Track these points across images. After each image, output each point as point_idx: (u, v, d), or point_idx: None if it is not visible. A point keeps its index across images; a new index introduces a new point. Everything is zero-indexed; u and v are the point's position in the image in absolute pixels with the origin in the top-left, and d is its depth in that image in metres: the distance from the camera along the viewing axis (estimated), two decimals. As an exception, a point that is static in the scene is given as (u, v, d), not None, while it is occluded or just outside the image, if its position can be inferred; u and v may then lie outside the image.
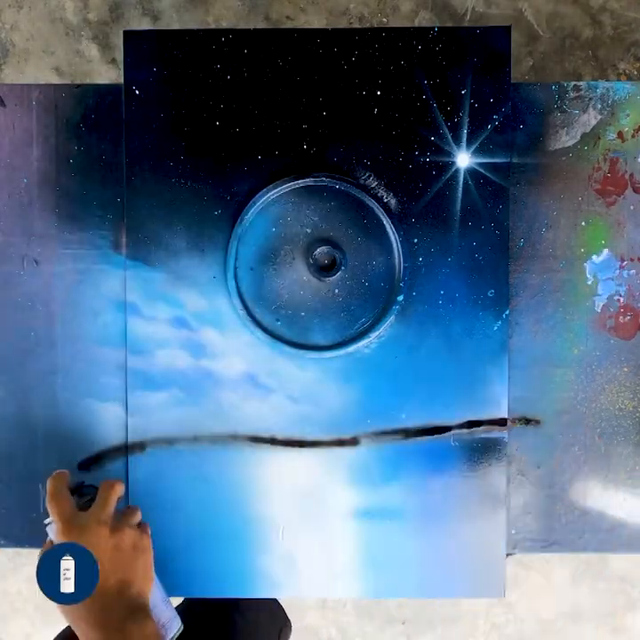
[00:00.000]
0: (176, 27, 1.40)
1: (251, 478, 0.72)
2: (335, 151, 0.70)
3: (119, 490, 0.62)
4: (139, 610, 0.58)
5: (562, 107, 0.71)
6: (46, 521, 0.61)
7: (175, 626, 0.63)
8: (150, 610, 0.60)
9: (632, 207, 0.72)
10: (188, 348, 0.71)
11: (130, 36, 0.70)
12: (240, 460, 0.72)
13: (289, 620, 0.97)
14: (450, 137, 0.69)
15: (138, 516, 0.64)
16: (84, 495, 0.64)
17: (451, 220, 0.70)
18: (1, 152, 0.73)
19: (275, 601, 0.96)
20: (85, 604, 0.57)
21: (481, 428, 0.71)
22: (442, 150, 0.69)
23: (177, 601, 1.01)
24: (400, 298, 0.70)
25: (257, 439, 0.72)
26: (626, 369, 0.73)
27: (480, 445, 0.71)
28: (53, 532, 0.60)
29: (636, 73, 1.37)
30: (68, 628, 0.90)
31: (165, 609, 0.63)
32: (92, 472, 0.73)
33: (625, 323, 0.73)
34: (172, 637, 0.62)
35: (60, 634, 0.85)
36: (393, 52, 0.69)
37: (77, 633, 0.57)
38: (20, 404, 0.74)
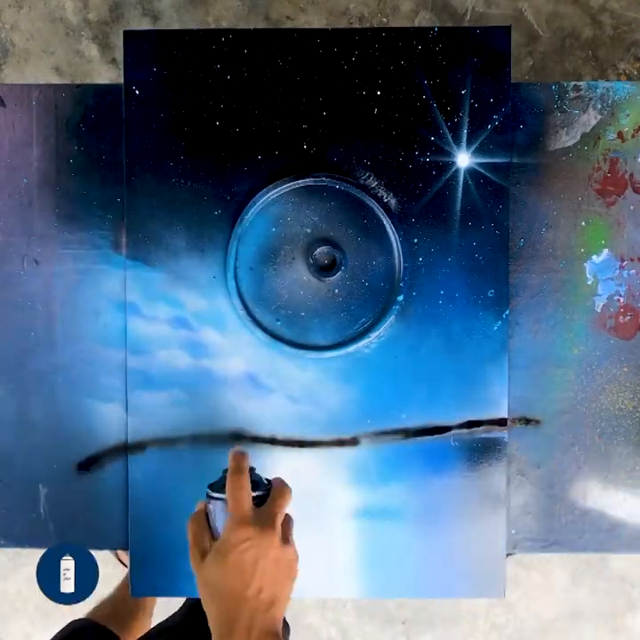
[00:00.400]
0: (176, 27, 1.40)
1: (251, 478, 0.72)
2: (335, 151, 0.70)
3: (291, 500, 0.57)
4: (276, 636, 0.53)
5: (562, 107, 0.71)
6: (216, 494, 0.56)
7: None
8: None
9: (632, 207, 0.72)
10: (188, 348, 0.71)
11: (130, 36, 0.70)
12: (240, 460, 0.71)
13: (286, 621, 0.97)
14: (450, 137, 0.69)
15: (293, 532, 0.58)
16: (255, 486, 0.57)
17: (451, 220, 0.70)
18: (1, 152, 0.73)
19: None
20: (235, 605, 0.52)
21: (481, 427, 0.71)
22: (442, 150, 0.69)
23: (178, 601, 1.01)
24: (400, 298, 0.70)
25: (257, 439, 0.72)
26: (626, 369, 0.73)
27: (480, 445, 0.71)
28: (219, 511, 0.55)
29: (636, 73, 1.37)
30: (74, 622, 0.90)
31: None
32: (91, 472, 0.73)
33: (625, 323, 0.73)
34: None
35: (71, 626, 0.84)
36: (393, 52, 0.69)
37: (213, 629, 0.53)
38: (20, 404, 0.74)
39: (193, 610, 0.91)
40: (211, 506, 0.56)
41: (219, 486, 0.57)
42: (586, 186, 0.72)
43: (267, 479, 0.58)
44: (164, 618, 0.94)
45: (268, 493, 0.56)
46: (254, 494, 0.56)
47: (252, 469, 0.57)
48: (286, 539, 0.55)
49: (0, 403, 0.74)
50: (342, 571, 0.72)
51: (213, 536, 0.55)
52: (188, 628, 0.87)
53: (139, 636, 1.00)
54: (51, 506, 0.74)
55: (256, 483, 0.57)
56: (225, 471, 0.57)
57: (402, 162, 0.70)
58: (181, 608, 0.95)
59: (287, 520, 0.57)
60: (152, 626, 0.91)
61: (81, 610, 0.91)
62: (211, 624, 0.53)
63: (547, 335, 0.73)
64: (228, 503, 0.54)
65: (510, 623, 1.46)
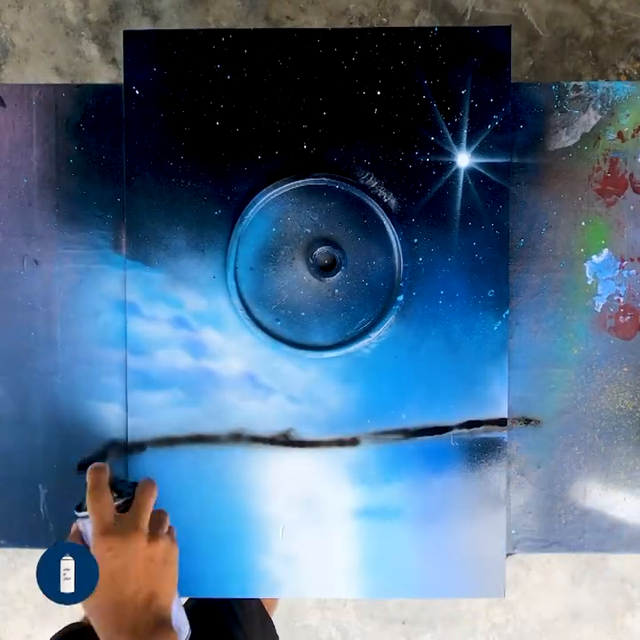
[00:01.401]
0: (176, 27, 1.40)
1: (251, 478, 0.72)
2: (335, 151, 0.70)
3: (156, 494, 0.60)
4: (164, 623, 0.56)
5: (562, 107, 0.71)
6: (80, 514, 0.59)
7: (185, 631, 0.62)
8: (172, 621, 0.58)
9: (632, 207, 0.72)
10: (188, 348, 0.71)
11: (130, 36, 0.70)
12: (240, 460, 0.72)
13: (269, 616, 0.97)
14: (450, 137, 0.69)
15: (167, 523, 0.61)
16: (119, 493, 0.61)
17: (451, 219, 0.70)
18: (1, 152, 0.73)
19: (263, 612, 0.96)
20: (115, 610, 0.55)
21: (481, 427, 0.71)
22: (442, 150, 0.69)
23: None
24: (400, 298, 0.70)
25: (257, 439, 0.72)
26: (626, 369, 0.73)
27: (480, 445, 0.71)
28: (88, 529, 0.58)
29: (636, 73, 1.37)
30: (72, 625, 0.90)
31: (180, 614, 0.62)
32: (92, 472, 0.73)
33: (625, 323, 0.73)
34: None
35: (63, 630, 0.85)
36: (393, 52, 0.69)
37: (101, 635, 0.56)
38: (19, 404, 0.74)
39: (194, 612, 0.90)
40: (80, 526, 0.59)
41: (84, 505, 0.59)
42: (586, 186, 0.72)
43: (133, 482, 0.61)
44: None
45: (131, 497, 0.59)
46: (119, 502, 0.59)
47: (116, 479, 0.60)
48: (155, 534, 0.57)
49: (0, 403, 0.74)
50: (342, 571, 0.72)
51: None
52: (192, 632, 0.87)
53: None
54: (51, 506, 0.74)
55: (120, 491, 0.60)
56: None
57: (402, 162, 0.70)
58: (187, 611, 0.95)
59: (158, 514, 0.60)
60: None
61: (81, 610, 0.91)
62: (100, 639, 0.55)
63: (547, 335, 0.73)
64: (91, 520, 0.57)
65: (510, 623, 1.46)
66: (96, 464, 0.60)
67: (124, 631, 0.54)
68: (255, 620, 0.91)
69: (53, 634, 0.85)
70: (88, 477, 0.58)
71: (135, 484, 0.61)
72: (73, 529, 0.60)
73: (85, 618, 0.97)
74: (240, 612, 0.88)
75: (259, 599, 0.94)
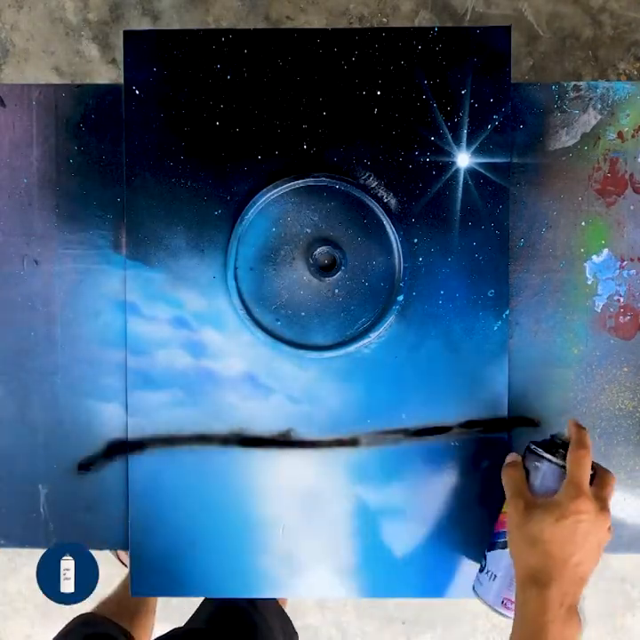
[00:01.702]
0: (176, 27, 1.40)
1: (251, 478, 0.72)
2: (335, 151, 0.70)
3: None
4: (576, 612, 0.56)
5: (562, 107, 0.71)
6: (553, 459, 0.60)
7: None
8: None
9: (632, 207, 0.72)
10: (188, 348, 0.71)
11: (130, 36, 0.70)
12: (240, 460, 0.72)
13: (295, 629, 0.97)
14: (450, 137, 0.69)
15: None
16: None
17: (451, 219, 0.70)
18: (1, 152, 0.73)
19: (283, 611, 0.96)
20: (551, 563, 0.55)
21: (481, 427, 0.71)
22: (442, 150, 0.69)
23: (190, 602, 1.01)
24: (400, 298, 0.70)
25: (257, 439, 0.72)
26: (626, 369, 0.73)
27: (480, 445, 0.71)
28: (552, 475, 0.60)
29: (636, 73, 1.37)
30: (79, 617, 0.90)
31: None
32: (91, 472, 0.74)
33: (625, 323, 0.73)
34: None
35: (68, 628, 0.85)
36: (393, 52, 0.69)
37: (528, 561, 0.57)
38: (19, 403, 0.74)
39: (217, 615, 0.90)
40: (539, 464, 0.61)
41: (548, 447, 0.61)
42: (586, 186, 0.72)
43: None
44: (163, 616, 0.94)
45: (594, 474, 0.60)
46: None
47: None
48: (611, 525, 0.58)
49: (0, 403, 0.74)
50: (342, 571, 0.72)
51: (531, 491, 0.60)
52: (214, 634, 0.87)
53: (144, 631, 1.00)
54: (51, 506, 0.74)
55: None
56: (553, 436, 0.62)
57: (402, 162, 0.70)
58: (202, 611, 0.94)
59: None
60: (177, 627, 0.90)
61: (81, 610, 0.91)
62: (521, 566, 0.57)
63: (547, 335, 0.73)
64: (567, 472, 0.58)
65: (510, 623, 1.46)
66: (576, 420, 0.61)
67: (556, 587, 0.54)
68: (274, 615, 0.92)
69: (61, 628, 0.85)
70: (573, 432, 0.60)
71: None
72: (514, 458, 0.64)
73: (96, 609, 0.97)
74: (262, 607, 0.89)
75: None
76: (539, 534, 0.56)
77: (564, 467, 0.60)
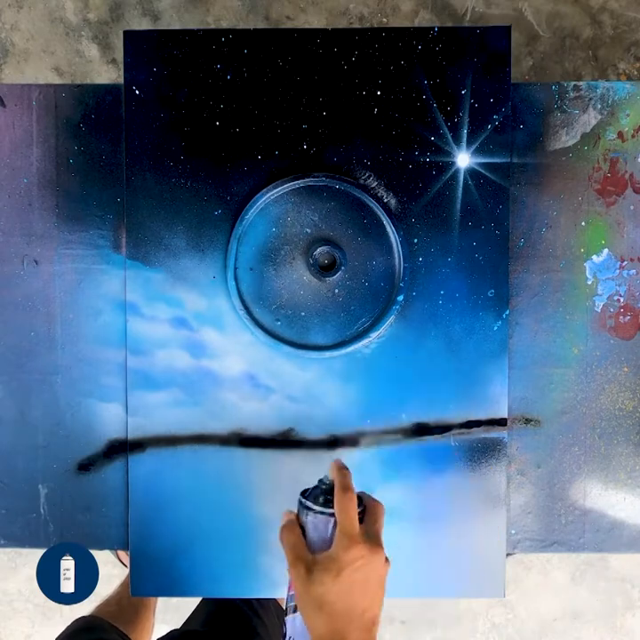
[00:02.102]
0: (176, 27, 1.40)
1: (251, 478, 0.72)
2: (335, 151, 0.70)
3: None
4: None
5: (562, 107, 0.71)
6: (320, 509, 0.57)
7: None
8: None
9: (632, 207, 0.72)
10: (188, 348, 0.71)
11: (130, 36, 0.70)
12: (240, 460, 0.72)
13: None
14: (450, 137, 0.69)
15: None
16: (359, 501, 0.58)
17: (451, 219, 0.70)
18: (1, 152, 0.73)
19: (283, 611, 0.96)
20: (340, 619, 0.54)
21: (481, 427, 0.71)
22: (442, 150, 0.69)
23: (188, 602, 1.01)
24: (400, 298, 0.70)
25: (257, 439, 0.72)
26: (626, 369, 0.73)
27: (480, 445, 0.71)
28: (325, 526, 0.56)
29: (636, 73, 1.37)
30: (80, 620, 0.90)
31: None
32: (92, 472, 0.74)
33: (625, 323, 0.73)
34: None
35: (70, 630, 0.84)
36: (393, 52, 0.69)
37: (313, 633, 0.55)
38: (19, 403, 0.74)
39: (214, 616, 0.90)
40: (310, 518, 0.57)
41: (316, 498, 0.57)
42: (586, 186, 0.72)
43: (359, 493, 0.58)
44: (164, 616, 0.94)
45: (363, 509, 0.57)
46: (359, 510, 0.56)
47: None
48: (387, 557, 0.56)
49: (0, 403, 0.74)
50: (342, 571, 0.72)
51: (309, 548, 0.56)
52: (210, 635, 0.87)
53: (144, 632, 1.00)
54: (51, 506, 0.74)
55: (359, 497, 0.58)
56: (320, 482, 0.58)
57: (402, 162, 0.70)
58: (198, 612, 0.94)
59: (380, 523, 0.58)
60: (174, 629, 0.90)
61: (81, 610, 0.91)
62: (314, 634, 0.55)
63: (547, 335, 0.73)
64: (337, 520, 0.55)
65: (510, 623, 1.46)
66: (340, 461, 0.58)
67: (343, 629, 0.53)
68: (273, 616, 0.91)
69: (62, 630, 0.84)
70: (336, 474, 0.57)
71: (359, 495, 0.59)
72: (289, 517, 0.59)
73: (96, 611, 0.97)
74: (259, 608, 0.89)
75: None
76: (323, 597, 0.54)
77: (332, 514, 0.56)
